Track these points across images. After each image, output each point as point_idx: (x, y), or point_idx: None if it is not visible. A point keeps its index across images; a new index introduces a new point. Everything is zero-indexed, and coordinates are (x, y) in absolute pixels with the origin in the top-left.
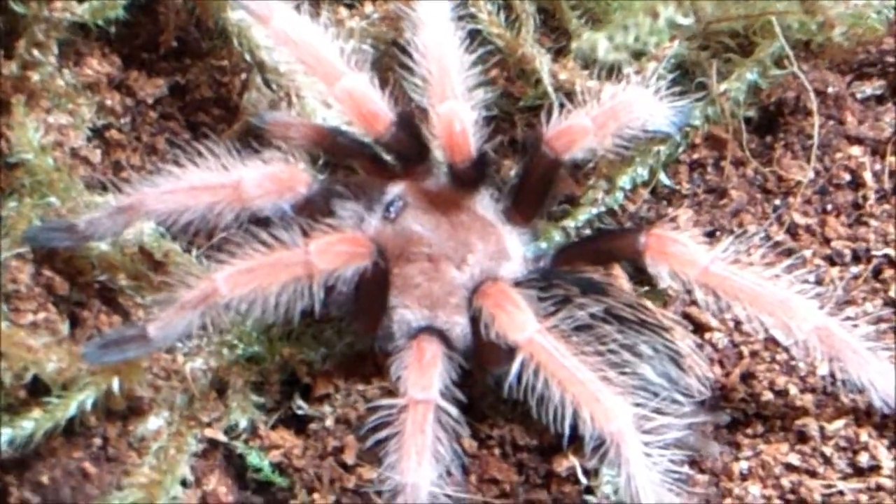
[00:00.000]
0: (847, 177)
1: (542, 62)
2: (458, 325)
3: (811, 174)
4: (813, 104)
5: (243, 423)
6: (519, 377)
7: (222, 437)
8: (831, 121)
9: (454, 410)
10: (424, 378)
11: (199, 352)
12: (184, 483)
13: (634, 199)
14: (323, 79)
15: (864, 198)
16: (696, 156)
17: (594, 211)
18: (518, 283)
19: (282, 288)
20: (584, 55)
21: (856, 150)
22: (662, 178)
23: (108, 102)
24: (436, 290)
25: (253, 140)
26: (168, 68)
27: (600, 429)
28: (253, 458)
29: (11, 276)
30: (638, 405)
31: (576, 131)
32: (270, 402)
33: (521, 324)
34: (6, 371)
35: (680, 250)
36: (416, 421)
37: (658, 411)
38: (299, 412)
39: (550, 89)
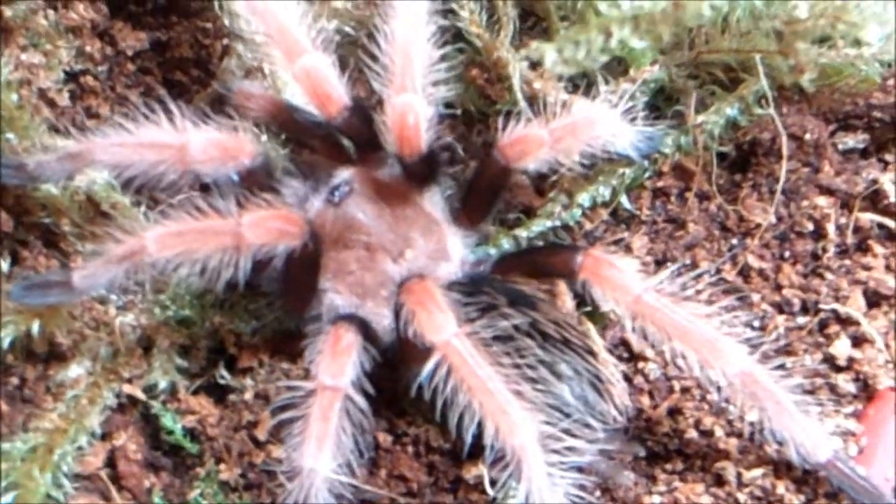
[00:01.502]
0: (810, 226)
1: (516, 68)
2: (386, 318)
3: (773, 218)
4: (784, 148)
5: (163, 384)
6: (432, 378)
7: (140, 395)
8: (807, 168)
9: (363, 402)
10: (336, 365)
11: (131, 307)
12: (93, 435)
13: (592, 219)
14: (285, 54)
15: (824, 249)
16: (661, 183)
17: (549, 224)
18: (451, 285)
19: (209, 255)
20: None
21: (823, 201)
22: (624, 201)
23: (88, 49)
24: (368, 279)
25: (227, 107)
26: (153, 23)
27: (503, 441)
28: (167, 420)
29: None
30: (548, 424)
31: (530, 141)
32: (195, 367)
33: (440, 325)
34: None
35: (614, 275)
36: (321, 406)
37: (569, 433)
38: (221, 381)
39: (520, 96)
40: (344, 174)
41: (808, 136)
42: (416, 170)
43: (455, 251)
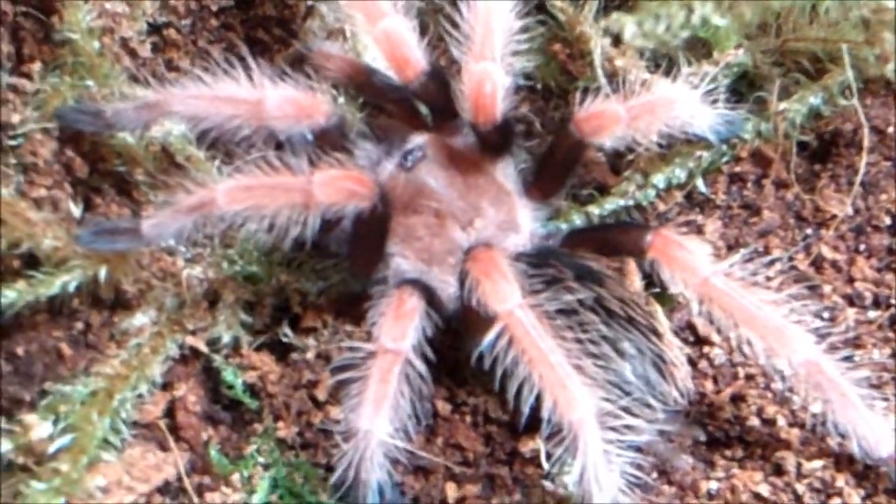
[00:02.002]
0: (887, 220)
1: (598, 43)
2: (451, 286)
3: (850, 210)
4: (865, 140)
5: (226, 339)
6: (493, 348)
7: (203, 348)
8: (888, 161)
9: (423, 368)
10: (398, 328)
11: (199, 260)
12: (153, 384)
13: (666, 200)
14: (366, 16)
15: None
16: (738, 169)
17: (622, 203)
18: (518, 256)
19: (278, 211)
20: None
21: None
22: (699, 184)
23: (173, 2)
24: (436, 246)
25: (308, 67)
26: None
27: (561, 415)
28: (228, 375)
29: (32, 149)
30: (608, 401)
31: (607, 117)
32: (258, 323)
33: (504, 295)
34: (3, 238)
35: (684, 256)
36: (381, 369)
37: (628, 411)
38: (284, 339)
39: (600, 73)
40: (418, 139)
41: (891, 130)
42: (490, 139)
43: (525, 223)
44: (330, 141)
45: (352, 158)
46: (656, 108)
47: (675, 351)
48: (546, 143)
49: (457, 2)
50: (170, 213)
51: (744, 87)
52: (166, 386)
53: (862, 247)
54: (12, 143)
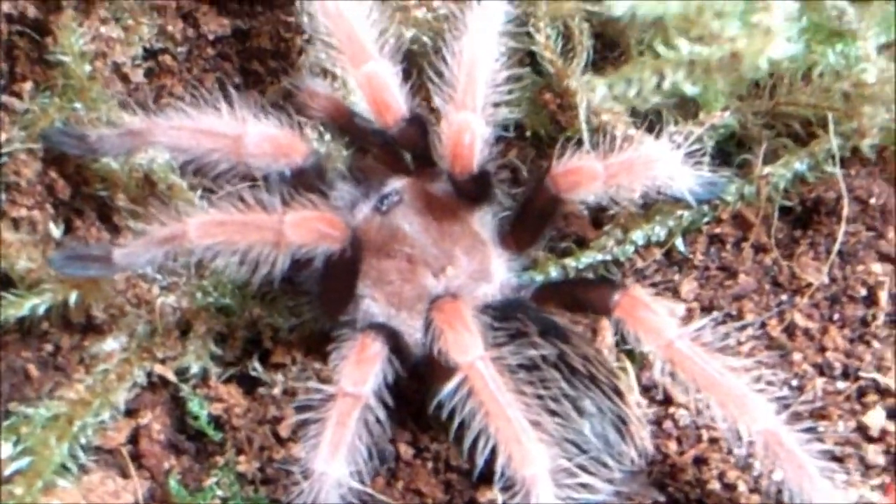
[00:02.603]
0: (863, 291)
1: (583, 98)
2: (419, 332)
3: (826, 279)
4: (845, 209)
5: (195, 369)
6: (452, 397)
7: (172, 377)
8: (870, 232)
9: (383, 413)
10: (359, 373)
11: (174, 289)
12: (117, 410)
13: (645, 257)
14: (350, 59)
15: (874, 317)
16: (718, 230)
17: (599, 257)
18: (486, 308)
19: (249, 248)
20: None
21: (879, 268)
22: (679, 243)
23: (170, 28)
24: (407, 291)
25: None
26: (237, 10)
27: (515, 470)
28: (194, 405)
29: (16, 168)
30: (565, 458)
31: (583, 174)
32: (229, 356)
33: (466, 346)
34: None
35: (649, 317)
36: (340, 412)
37: (585, 469)
38: (252, 373)
39: (584, 127)
40: (396, 184)
41: (873, 201)
42: (466, 188)
43: (497, 273)
44: (306, 181)
45: (327, 200)
46: (635, 166)
47: (637, 411)
48: (524, 194)
49: (441, 49)
50: (142, 244)
51: (732, 147)
52: (132, 413)
53: (836, 316)
54: None
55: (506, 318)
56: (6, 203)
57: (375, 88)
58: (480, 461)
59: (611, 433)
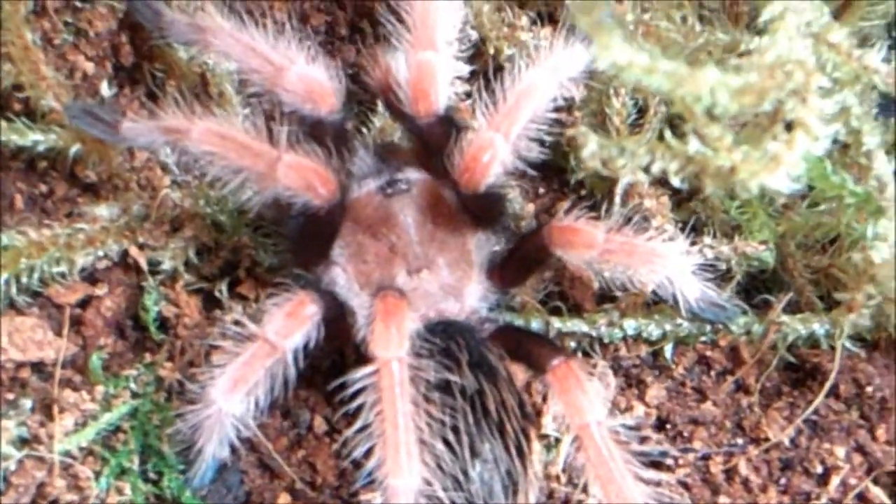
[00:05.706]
0: (819, 469)
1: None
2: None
3: (787, 441)
4: (828, 383)
5: (167, 266)
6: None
7: (143, 264)
8: (860, 419)
9: (293, 374)
10: (286, 326)
11: (184, 187)
12: (72, 269)
13: (630, 348)
14: (413, 40)
15: (818, 496)
16: (709, 353)
17: (585, 329)
18: (439, 323)
19: (239, 169)
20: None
21: (842, 453)
22: (667, 349)
23: None
24: (376, 276)
25: None
26: None
27: (383, 476)
28: (150, 299)
29: (91, 18)
30: (443, 490)
31: (580, 236)
32: (204, 270)
33: (389, 343)
34: (10, 76)
35: (576, 393)
36: (253, 354)
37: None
38: (216, 294)
39: (618, 198)
40: (412, 174)
41: (868, 388)
42: (469, 204)
43: (470, 298)
44: (321, 134)
45: (329, 160)
46: (636, 252)
47: (531, 476)
48: (522, 234)
49: (503, 66)
50: (149, 124)
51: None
52: (93, 281)
53: (783, 480)
54: (78, 3)
55: (446, 335)
56: (68, 45)
57: (422, 75)
58: (355, 453)
59: (497, 486)
